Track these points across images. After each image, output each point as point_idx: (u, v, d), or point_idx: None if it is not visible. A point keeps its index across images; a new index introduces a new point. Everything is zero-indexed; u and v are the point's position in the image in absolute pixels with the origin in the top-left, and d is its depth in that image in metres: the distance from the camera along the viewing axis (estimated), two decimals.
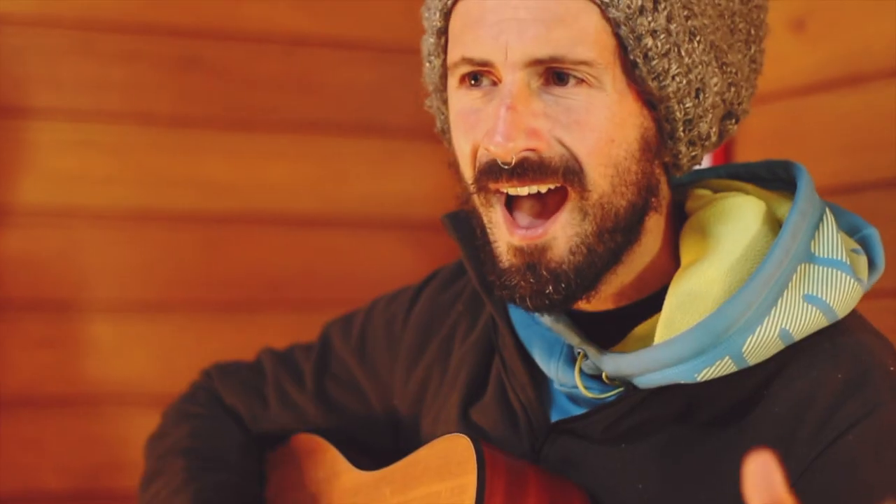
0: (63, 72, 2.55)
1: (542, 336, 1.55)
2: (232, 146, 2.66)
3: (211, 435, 1.82)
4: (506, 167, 1.40)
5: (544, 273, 1.42)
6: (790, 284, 1.41)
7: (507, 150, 1.39)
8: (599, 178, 1.41)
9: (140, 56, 2.59)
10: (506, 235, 1.44)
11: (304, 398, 1.82)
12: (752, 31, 1.51)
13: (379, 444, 1.76)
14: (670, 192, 1.53)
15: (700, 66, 1.43)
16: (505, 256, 1.45)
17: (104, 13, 2.56)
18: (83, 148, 2.56)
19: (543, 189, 1.41)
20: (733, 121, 1.51)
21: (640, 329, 1.49)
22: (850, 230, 1.53)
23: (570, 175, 1.40)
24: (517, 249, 1.43)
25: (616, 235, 1.44)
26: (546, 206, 1.44)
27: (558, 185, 1.41)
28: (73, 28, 2.55)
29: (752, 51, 1.52)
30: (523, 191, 1.42)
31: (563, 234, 1.42)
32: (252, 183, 2.66)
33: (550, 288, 1.42)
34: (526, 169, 1.40)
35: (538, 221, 1.44)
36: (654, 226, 1.49)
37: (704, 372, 1.39)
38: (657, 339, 1.43)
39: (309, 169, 2.70)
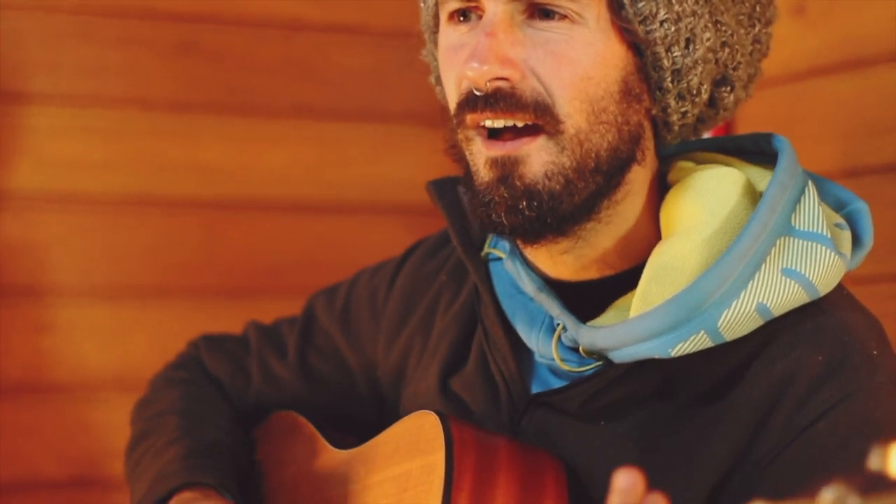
0: (62, 57, 2.54)
1: (525, 306, 1.55)
2: (231, 131, 2.65)
3: (203, 399, 1.82)
4: (479, 94, 1.42)
5: (518, 184, 1.42)
6: (768, 258, 1.39)
7: (482, 73, 1.40)
8: (574, 112, 1.42)
9: (139, 41, 2.58)
10: (483, 152, 1.45)
11: (287, 372, 1.82)
12: (758, 9, 1.51)
13: (362, 417, 1.76)
14: (657, 161, 1.52)
15: (691, 17, 1.43)
16: (482, 172, 1.45)
17: None
18: (82, 133, 2.55)
19: (520, 124, 1.42)
20: (728, 88, 1.50)
21: (619, 302, 1.48)
22: (837, 205, 1.51)
23: (540, 110, 1.41)
24: (493, 161, 1.44)
25: (597, 177, 1.44)
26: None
27: (529, 120, 1.42)
28: (71, 13, 2.54)
29: (757, 29, 1.51)
30: (499, 123, 1.42)
31: (537, 155, 1.42)
32: (251, 168, 2.66)
33: (524, 203, 1.42)
34: (498, 99, 1.41)
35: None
36: (639, 188, 1.49)
37: (679, 347, 1.38)
38: (632, 312, 1.42)
39: (308, 154, 2.70)
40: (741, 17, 1.49)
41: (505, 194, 1.43)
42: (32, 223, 2.52)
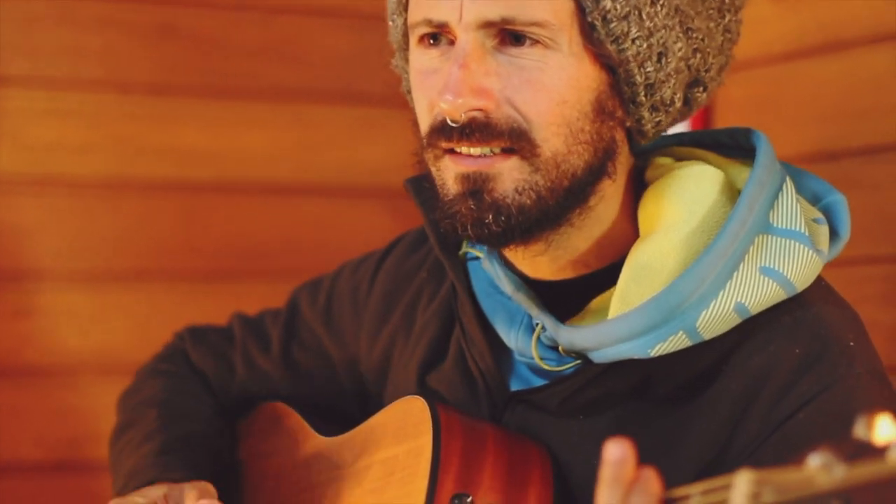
0: (38, 39, 2.53)
1: (504, 306, 1.55)
2: (209, 114, 2.64)
3: (185, 391, 1.83)
4: (455, 125, 1.41)
5: (486, 199, 1.42)
6: (746, 257, 1.40)
7: (456, 106, 1.39)
8: (552, 136, 1.41)
9: (117, 23, 2.57)
10: (453, 168, 1.44)
11: (271, 364, 1.82)
12: (727, 0, 1.50)
13: (345, 410, 1.76)
14: (633, 159, 1.52)
15: (662, 31, 1.42)
16: (451, 186, 1.44)
17: None
18: (59, 116, 2.54)
19: (497, 150, 1.41)
20: (700, 89, 1.49)
21: (597, 301, 1.48)
22: (813, 198, 1.51)
23: (516, 136, 1.41)
24: (463, 177, 1.43)
25: (569, 193, 1.44)
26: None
27: (505, 146, 1.41)
28: None
29: (727, 20, 1.50)
30: (475, 151, 1.42)
31: (509, 174, 1.42)
32: (230, 151, 2.65)
33: (490, 217, 1.42)
34: (473, 129, 1.40)
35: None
36: (613, 192, 1.49)
37: (658, 347, 1.39)
38: (611, 312, 1.42)
39: (287, 137, 2.69)
40: (711, 12, 1.48)
41: (472, 206, 1.42)
42: (10, 207, 2.51)
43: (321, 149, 2.71)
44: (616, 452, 1.11)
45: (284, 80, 2.69)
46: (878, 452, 0.92)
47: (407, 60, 1.51)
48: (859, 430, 0.93)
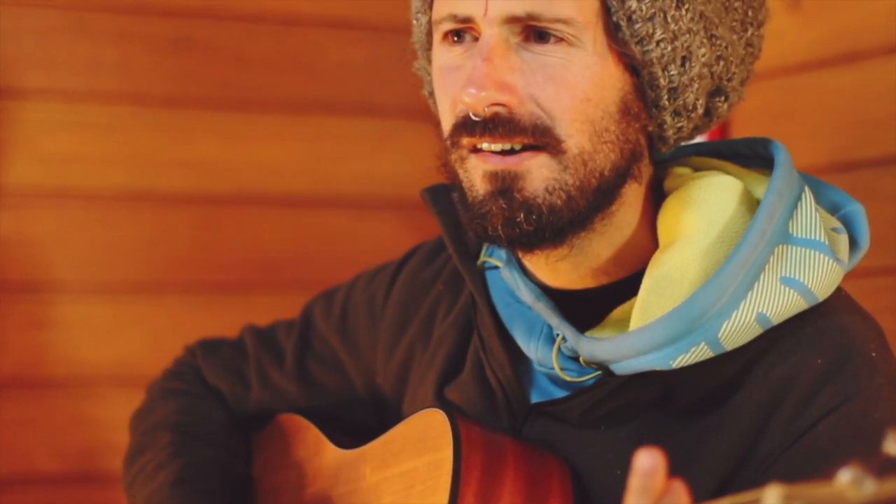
0: (56, 52, 2.54)
1: (523, 315, 1.54)
2: (226, 127, 2.65)
3: (197, 411, 1.82)
4: (478, 119, 1.40)
5: (517, 197, 1.41)
6: (767, 267, 1.39)
7: (479, 99, 1.39)
8: (576, 133, 1.40)
9: (133, 36, 2.58)
10: (480, 166, 1.43)
11: (285, 378, 1.82)
12: (750, 13, 1.50)
13: (361, 422, 1.76)
14: (651, 168, 1.52)
15: (687, 35, 1.42)
16: (479, 185, 1.43)
17: None
18: (76, 129, 2.55)
19: (518, 146, 1.41)
20: (722, 98, 1.49)
21: (617, 312, 1.48)
22: (832, 207, 1.51)
23: (539, 132, 1.40)
24: (492, 175, 1.42)
25: (598, 194, 1.43)
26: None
27: (528, 142, 1.40)
28: (65, 8, 2.54)
29: (749, 33, 1.50)
30: (496, 147, 1.41)
31: (538, 172, 1.41)
32: (246, 163, 2.66)
33: (522, 216, 1.41)
34: (497, 124, 1.40)
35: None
36: (633, 198, 1.48)
37: (680, 359, 1.38)
38: (632, 324, 1.42)
39: (303, 149, 2.70)
40: (734, 24, 1.48)
41: (503, 205, 1.41)
42: (27, 219, 2.52)
43: (336, 161, 2.72)
44: (647, 462, 1.11)
45: (300, 92, 2.69)
46: None
47: (430, 61, 1.51)
48: (889, 446, 0.92)
